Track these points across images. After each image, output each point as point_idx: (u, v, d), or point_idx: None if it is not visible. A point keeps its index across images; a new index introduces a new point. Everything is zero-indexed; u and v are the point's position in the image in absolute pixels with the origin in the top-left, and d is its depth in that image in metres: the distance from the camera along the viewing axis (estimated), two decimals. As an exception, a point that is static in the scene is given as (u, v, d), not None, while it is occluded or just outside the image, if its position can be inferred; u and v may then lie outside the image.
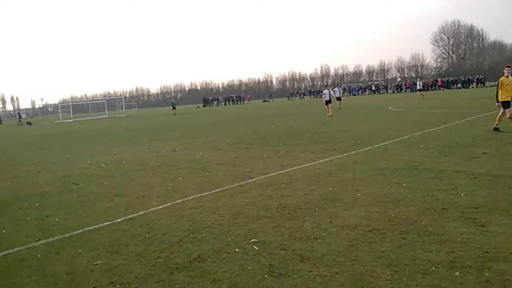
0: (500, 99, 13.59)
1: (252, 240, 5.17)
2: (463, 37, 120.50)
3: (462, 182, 7.30)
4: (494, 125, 13.63)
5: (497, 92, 13.71)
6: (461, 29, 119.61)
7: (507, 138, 11.78)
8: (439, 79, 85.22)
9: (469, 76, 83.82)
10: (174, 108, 55.80)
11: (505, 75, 13.58)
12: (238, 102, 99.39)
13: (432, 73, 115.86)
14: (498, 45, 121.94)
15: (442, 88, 78.33)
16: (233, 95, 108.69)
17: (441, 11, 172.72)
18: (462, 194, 6.51)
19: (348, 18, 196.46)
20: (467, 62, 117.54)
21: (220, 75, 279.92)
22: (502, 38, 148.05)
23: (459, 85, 79.80)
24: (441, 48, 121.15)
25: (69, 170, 12.13)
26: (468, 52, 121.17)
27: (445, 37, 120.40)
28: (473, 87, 75.02)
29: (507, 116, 13.41)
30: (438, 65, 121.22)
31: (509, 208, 5.71)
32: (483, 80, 79.12)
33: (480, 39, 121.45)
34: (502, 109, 13.64)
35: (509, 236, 4.72)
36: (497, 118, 13.75)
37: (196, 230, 5.72)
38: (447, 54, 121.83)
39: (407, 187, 7.23)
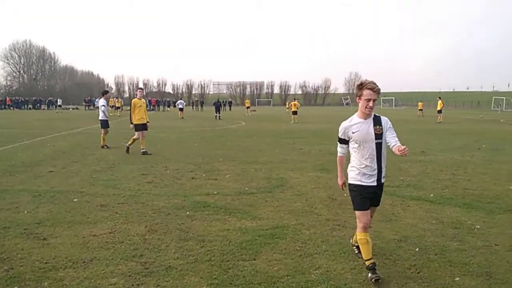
0: (134, 121, 13.45)
1: None
2: (35, 57, 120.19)
3: (26, 200, 7.27)
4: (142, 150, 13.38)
5: (130, 114, 13.55)
6: (33, 49, 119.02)
7: (73, 158, 12.52)
8: (8, 98, 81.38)
9: (40, 98, 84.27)
10: None
11: (137, 97, 13.82)
12: None
13: (2, 91, 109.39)
14: (70, 69, 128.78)
15: (12, 108, 75.16)
16: None
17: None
18: (26, 212, 6.49)
19: None
20: (39, 83, 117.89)
21: None
22: (74, 64, 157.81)
23: (30, 105, 78.90)
24: (11, 66, 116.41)
25: None
26: (40, 74, 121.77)
27: (16, 55, 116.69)
28: (44, 109, 75.81)
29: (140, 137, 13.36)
30: (9, 83, 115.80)
31: (70, 220, 6.12)
32: (54, 102, 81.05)
33: (53, 62, 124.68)
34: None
35: (68, 246, 5.05)
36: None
37: None
38: (18, 73, 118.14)
39: (-36, 210, 6.56)
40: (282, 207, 6.99)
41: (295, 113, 33.87)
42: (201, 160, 12.06)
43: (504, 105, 75.05)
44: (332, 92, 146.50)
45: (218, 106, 39.84)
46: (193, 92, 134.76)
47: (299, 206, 7.05)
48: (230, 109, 69.88)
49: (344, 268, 4.52)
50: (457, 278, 4.30)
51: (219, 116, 38.72)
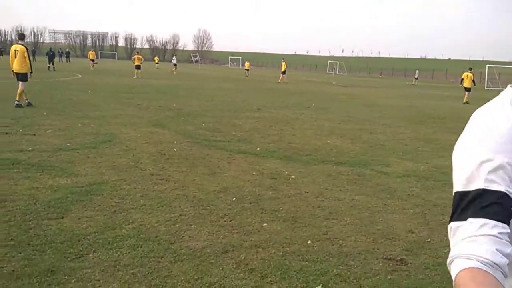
0: None
1: None
2: None
3: None
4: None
5: None
6: None
7: None
8: None
9: None
10: None
11: None
12: None
13: None
14: None
15: None
16: None
17: None
18: None
19: None
20: None
21: None
22: None
23: None
24: None
25: None
26: None
27: None
28: None
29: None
30: None
31: None
32: None
33: None
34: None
35: None
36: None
37: None
38: None
39: None
40: (105, 163, 6.59)
41: (138, 67, 32.39)
42: (21, 114, 10.78)
43: (337, 68, 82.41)
44: (181, 48, 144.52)
45: (51, 56, 36.07)
46: (25, 40, 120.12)
47: (124, 162, 6.72)
48: (68, 61, 64.09)
49: (159, 221, 4.43)
50: (265, 224, 4.53)
51: (53, 68, 35.23)
